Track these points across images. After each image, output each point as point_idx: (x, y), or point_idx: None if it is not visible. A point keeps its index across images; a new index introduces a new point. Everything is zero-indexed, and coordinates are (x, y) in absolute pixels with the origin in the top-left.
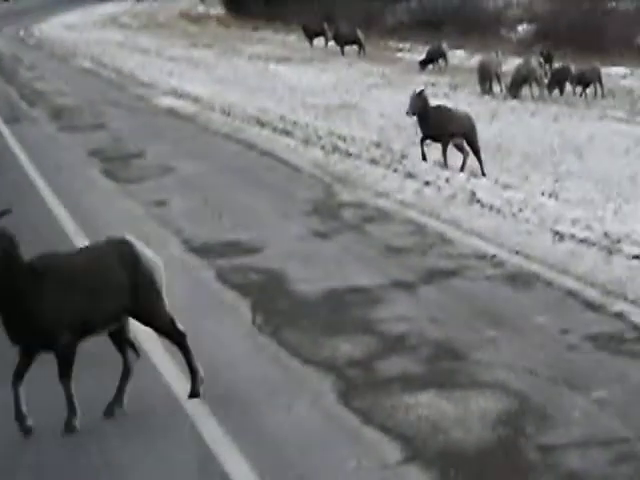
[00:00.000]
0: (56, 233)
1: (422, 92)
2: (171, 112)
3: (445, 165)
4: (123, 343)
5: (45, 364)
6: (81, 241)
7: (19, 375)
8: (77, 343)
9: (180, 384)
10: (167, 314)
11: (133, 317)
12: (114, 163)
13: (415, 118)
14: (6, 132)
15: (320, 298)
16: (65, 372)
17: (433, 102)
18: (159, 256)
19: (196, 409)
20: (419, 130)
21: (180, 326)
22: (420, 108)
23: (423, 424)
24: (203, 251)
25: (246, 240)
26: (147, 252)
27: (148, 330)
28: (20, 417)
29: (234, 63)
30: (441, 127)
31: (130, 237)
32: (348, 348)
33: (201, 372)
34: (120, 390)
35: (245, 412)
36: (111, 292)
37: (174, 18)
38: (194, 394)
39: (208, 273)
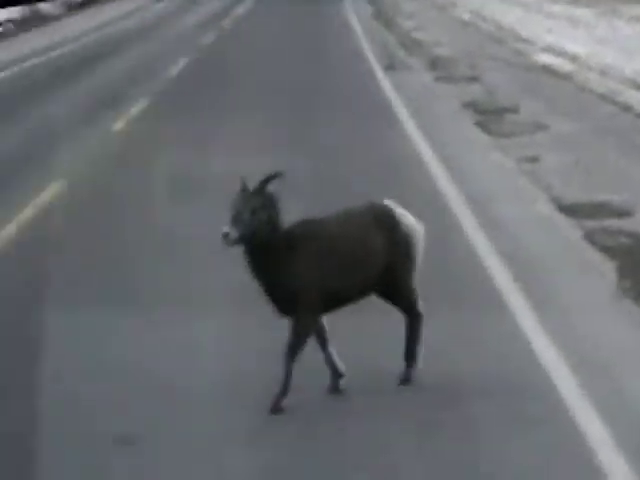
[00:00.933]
0: (425, 179)
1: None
2: (547, 69)
3: None
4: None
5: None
6: (450, 189)
7: (321, 340)
8: (320, 316)
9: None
10: (414, 289)
11: (380, 286)
12: (488, 116)
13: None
14: (383, 79)
15: None
16: (294, 347)
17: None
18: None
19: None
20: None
21: (420, 306)
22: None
23: None
24: (572, 210)
25: (617, 202)
26: (408, 219)
27: None
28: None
29: (614, 24)
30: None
31: (391, 202)
32: None
33: (419, 362)
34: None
35: (609, 378)
36: (367, 259)
37: None
38: (406, 379)
39: (576, 233)
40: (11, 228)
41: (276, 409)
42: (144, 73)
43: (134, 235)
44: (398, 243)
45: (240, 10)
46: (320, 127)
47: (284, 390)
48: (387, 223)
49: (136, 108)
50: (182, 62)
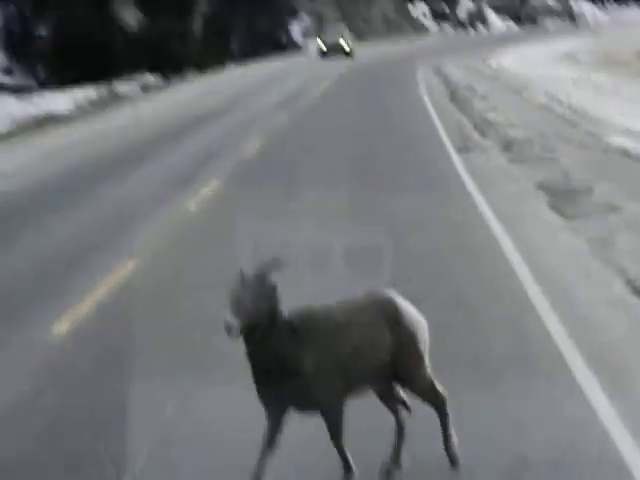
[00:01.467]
0: (498, 259)
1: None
2: (621, 151)
3: None
4: (392, 401)
5: None
6: (523, 270)
7: (270, 442)
8: (343, 402)
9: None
10: (428, 376)
11: (392, 377)
12: (561, 197)
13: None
14: (456, 160)
15: None
16: (335, 432)
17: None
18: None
19: None
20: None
21: (440, 389)
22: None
23: None
24: None
25: None
26: (410, 310)
27: None
28: None
29: None
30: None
31: (393, 293)
32: None
33: (455, 439)
34: (397, 450)
35: None
36: (372, 350)
37: (632, 56)
38: (452, 461)
39: None
40: (86, 305)
41: None
42: (218, 153)
43: (207, 313)
44: (401, 335)
45: (317, 90)
46: (394, 206)
47: (348, 468)
48: (390, 314)
49: (209, 188)
50: (256, 142)
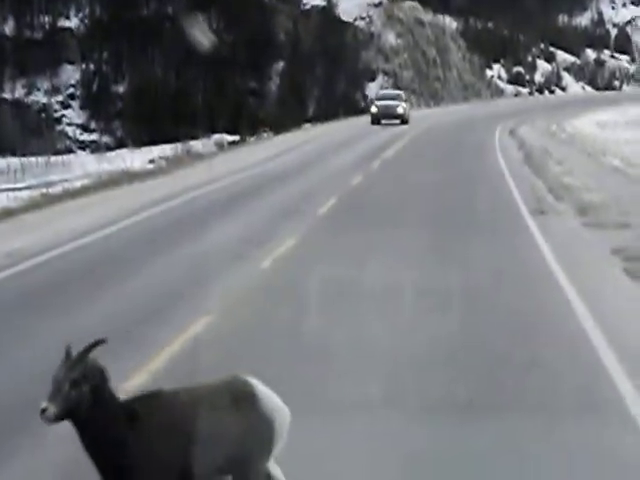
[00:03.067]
0: (572, 326)
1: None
2: None
3: None
4: None
5: None
6: (600, 340)
7: None
8: None
9: None
10: (264, 473)
11: (231, 468)
12: (637, 263)
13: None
14: (531, 224)
15: None
16: None
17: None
18: None
19: None
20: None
21: None
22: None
23: None
24: None
25: None
26: (271, 398)
27: None
28: None
29: None
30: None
31: (255, 380)
32: None
33: None
34: None
35: None
36: (218, 442)
37: None
38: None
39: None
40: (160, 361)
41: None
42: (292, 212)
43: (272, 370)
44: (254, 426)
45: (390, 151)
46: (468, 266)
47: None
48: (246, 402)
49: (283, 247)
50: (330, 201)
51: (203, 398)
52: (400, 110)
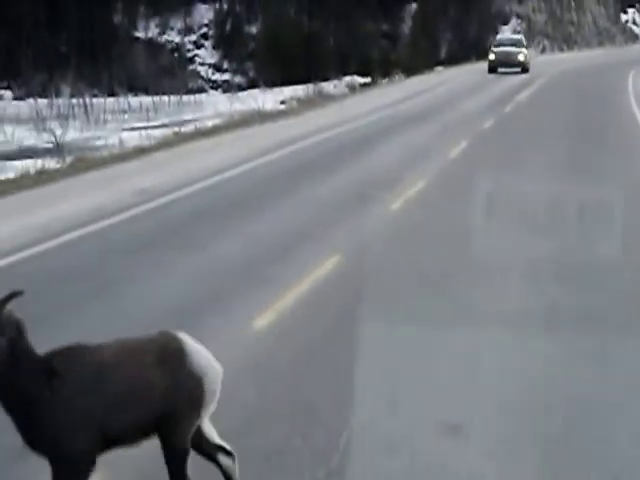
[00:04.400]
0: None
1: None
2: None
3: None
4: (210, 449)
5: None
6: None
7: None
8: (94, 456)
9: None
10: (187, 440)
11: (156, 429)
12: None
13: None
14: None
15: None
16: None
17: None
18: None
19: None
20: None
21: (187, 468)
22: None
23: None
24: None
25: None
26: (201, 354)
27: None
28: None
29: None
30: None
31: (185, 336)
32: None
33: None
34: None
35: None
36: (142, 399)
37: None
38: None
39: None
40: (287, 300)
41: None
42: (422, 154)
43: (411, 308)
44: (181, 383)
45: (524, 94)
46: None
47: None
48: (173, 358)
49: (414, 189)
50: (461, 144)
51: (127, 354)
52: (521, 57)
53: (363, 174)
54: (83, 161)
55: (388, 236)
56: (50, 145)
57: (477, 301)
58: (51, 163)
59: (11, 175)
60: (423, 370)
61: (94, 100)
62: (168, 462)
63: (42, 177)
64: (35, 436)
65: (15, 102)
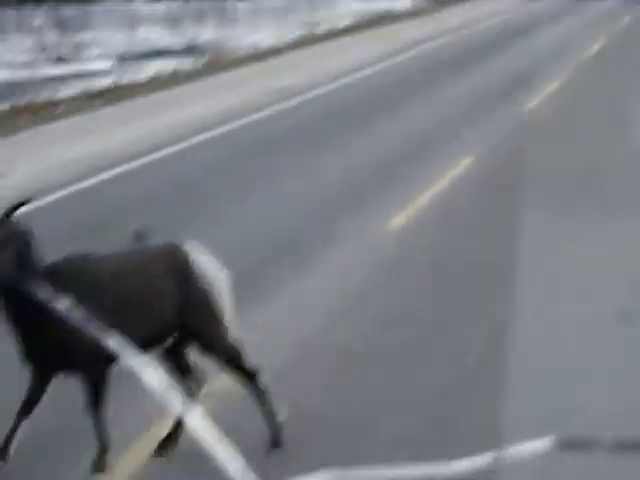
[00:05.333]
0: None
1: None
2: None
3: None
4: (183, 367)
5: None
6: None
7: (28, 406)
8: (108, 367)
9: None
10: (229, 341)
11: (186, 341)
12: None
13: None
14: None
15: None
16: (92, 400)
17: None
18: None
19: None
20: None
21: (249, 362)
22: None
23: None
24: None
25: None
26: (207, 262)
27: None
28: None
29: None
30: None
31: (191, 245)
32: None
33: (282, 415)
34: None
35: None
36: (152, 307)
37: None
38: (275, 443)
39: None
40: (423, 199)
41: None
42: (557, 54)
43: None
44: (190, 290)
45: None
46: None
47: (102, 447)
48: (178, 266)
49: (549, 88)
50: (594, 45)
51: (134, 264)
52: None
53: (497, 74)
54: (218, 61)
55: (522, 135)
56: (184, 46)
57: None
58: (185, 64)
59: (149, 73)
60: (582, 259)
61: (227, 3)
62: (229, 370)
63: (176, 78)
64: (39, 349)
65: (149, 3)
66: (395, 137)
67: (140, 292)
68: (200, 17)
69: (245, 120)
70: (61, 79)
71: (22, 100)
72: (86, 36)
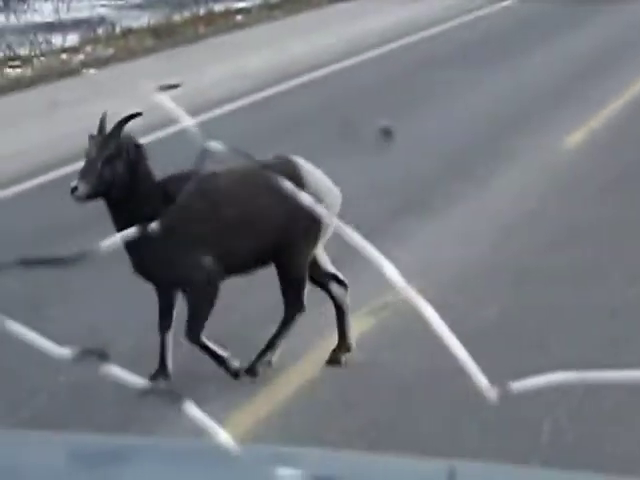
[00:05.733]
0: None
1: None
2: None
3: None
4: (323, 278)
5: None
6: None
7: (164, 321)
8: (216, 280)
9: None
10: (304, 269)
11: (273, 258)
12: None
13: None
14: None
15: None
16: (197, 313)
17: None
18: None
19: None
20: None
21: (304, 296)
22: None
23: None
24: None
25: None
26: (320, 179)
27: None
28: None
29: None
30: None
31: (302, 160)
32: None
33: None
34: (342, 332)
35: None
36: (261, 223)
37: None
38: (250, 368)
39: None
40: (600, 119)
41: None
42: None
43: None
44: (299, 210)
45: None
46: None
47: (217, 358)
48: (291, 180)
49: None
50: None
51: (243, 180)
52: None
53: None
54: None
55: None
56: None
57: None
58: None
59: None
60: None
61: None
62: (284, 291)
63: None
64: (149, 263)
65: None
66: (574, 54)
67: (249, 211)
68: None
69: (433, 30)
70: None
71: (201, 10)
72: None
